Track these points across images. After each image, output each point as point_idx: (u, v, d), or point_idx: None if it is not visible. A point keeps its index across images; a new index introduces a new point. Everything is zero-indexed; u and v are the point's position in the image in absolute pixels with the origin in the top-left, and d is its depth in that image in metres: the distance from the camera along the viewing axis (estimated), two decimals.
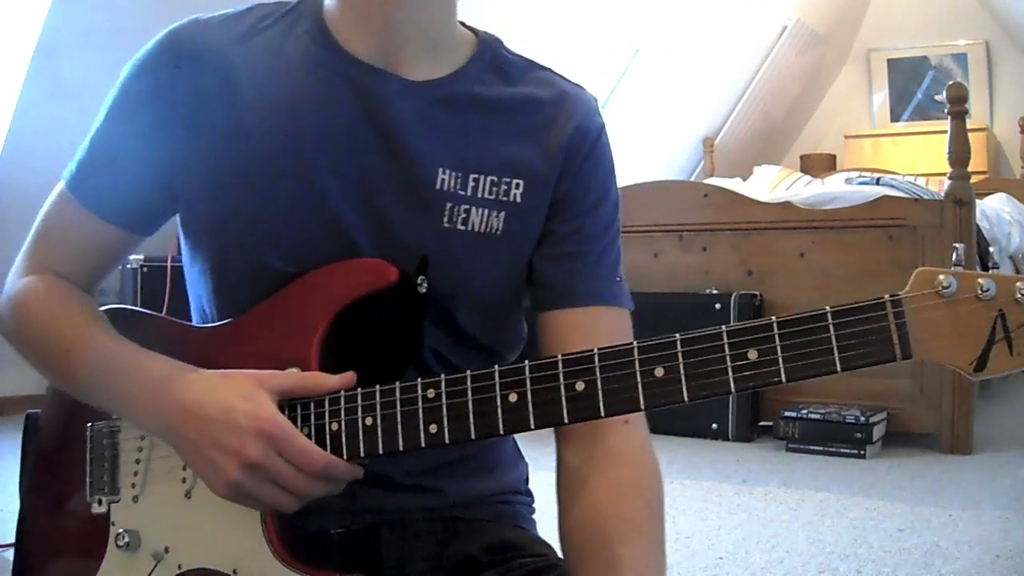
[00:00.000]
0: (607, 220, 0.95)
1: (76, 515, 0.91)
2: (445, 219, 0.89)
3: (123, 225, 0.94)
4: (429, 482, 0.95)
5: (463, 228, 0.89)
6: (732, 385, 0.69)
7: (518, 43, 0.99)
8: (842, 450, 3.27)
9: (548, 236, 0.93)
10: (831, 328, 0.67)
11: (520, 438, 1.06)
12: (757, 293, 3.63)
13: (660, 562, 0.85)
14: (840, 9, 6.79)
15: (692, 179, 6.36)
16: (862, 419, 3.26)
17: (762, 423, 3.64)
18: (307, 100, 0.89)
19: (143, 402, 0.83)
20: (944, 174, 3.45)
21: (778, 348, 0.68)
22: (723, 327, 0.70)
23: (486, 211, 0.90)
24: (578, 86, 0.99)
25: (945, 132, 3.38)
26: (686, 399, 0.71)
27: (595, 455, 0.88)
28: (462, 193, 0.89)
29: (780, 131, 7.26)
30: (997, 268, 0.69)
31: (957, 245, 0.68)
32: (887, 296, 0.67)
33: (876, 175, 5.14)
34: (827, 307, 0.67)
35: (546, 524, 1.03)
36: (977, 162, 4.94)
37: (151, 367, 0.85)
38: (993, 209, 4.75)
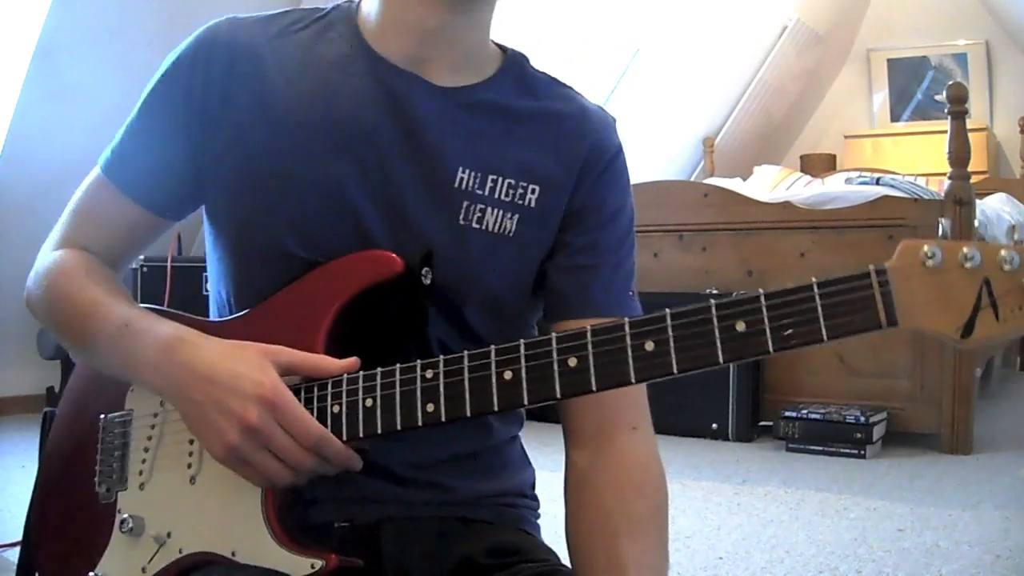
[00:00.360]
0: (622, 235, 0.98)
1: (84, 503, 0.94)
2: (461, 216, 0.92)
3: (154, 209, 0.98)
4: (435, 477, 0.96)
5: (477, 227, 0.92)
6: (720, 356, 0.70)
7: (518, 43, 1.00)
8: (842, 450, 3.27)
9: (563, 247, 0.95)
10: (817, 298, 0.68)
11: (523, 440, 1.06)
12: None
13: (663, 560, 0.88)
14: (840, 9, 6.79)
15: (692, 179, 6.36)
16: (862, 419, 3.25)
17: (762, 423, 3.64)
18: (335, 94, 0.92)
19: (154, 362, 0.86)
20: (944, 174, 3.45)
21: (765, 319, 0.69)
22: (712, 301, 0.71)
23: (501, 212, 0.93)
24: (599, 106, 1.01)
25: (945, 132, 3.38)
26: (675, 371, 0.71)
27: (604, 458, 0.91)
28: (479, 192, 0.92)
29: (780, 131, 7.26)
30: None
31: (942, 220, 0.68)
32: (872, 266, 0.67)
33: (876, 175, 5.14)
34: (813, 278, 0.68)
35: (550, 529, 1.03)
36: (977, 162, 4.93)
37: (164, 329, 0.88)
38: (993, 209, 4.74)
